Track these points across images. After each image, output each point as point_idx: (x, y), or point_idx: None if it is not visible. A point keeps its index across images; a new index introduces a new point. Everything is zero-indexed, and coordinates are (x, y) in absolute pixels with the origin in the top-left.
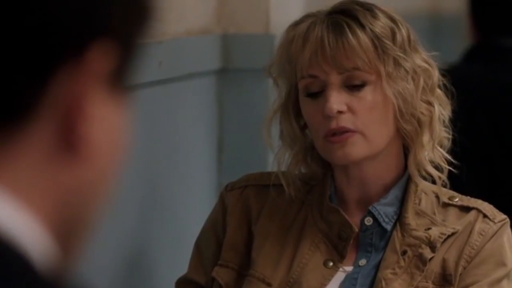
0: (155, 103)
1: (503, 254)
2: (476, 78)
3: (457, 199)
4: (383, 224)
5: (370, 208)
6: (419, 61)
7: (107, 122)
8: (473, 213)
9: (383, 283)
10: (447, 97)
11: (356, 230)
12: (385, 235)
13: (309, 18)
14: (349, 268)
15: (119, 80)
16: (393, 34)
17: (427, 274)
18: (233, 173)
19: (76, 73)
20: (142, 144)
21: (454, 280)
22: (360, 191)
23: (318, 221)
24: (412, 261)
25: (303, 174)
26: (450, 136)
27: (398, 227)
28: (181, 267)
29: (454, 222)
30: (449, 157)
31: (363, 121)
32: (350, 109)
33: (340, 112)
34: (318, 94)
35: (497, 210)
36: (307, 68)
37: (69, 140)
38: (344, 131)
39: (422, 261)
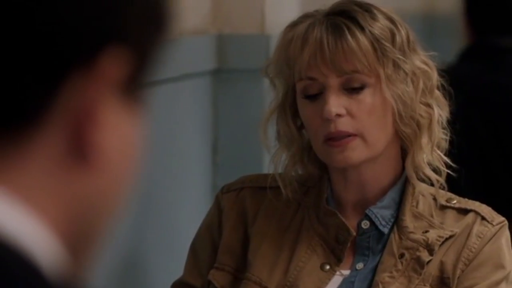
0: (150, 103)
1: (502, 256)
2: (472, 78)
3: (455, 201)
4: (380, 227)
5: (366, 211)
6: (418, 63)
7: (120, 130)
8: (471, 215)
9: (381, 286)
10: (445, 97)
11: (354, 233)
12: (382, 238)
13: (308, 19)
14: (346, 272)
15: (133, 87)
16: (393, 36)
17: (425, 277)
18: (228, 174)
19: (87, 78)
20: None
21: (452, 283)
22: (358, 194)
23: (315, 224)
24: (410, 264)
25: (300, 176)
26: (448, 138)
27: (395, 230)
28: (177, 270)
29: (452, 224)
30: (447, 160)
31: (362, 125)
32: (349, 113)
33: (338, 115)
34: (317, 96)
35: (495, 212)
36: (306, 70)
37: (79, 148)
38: (343, 135)
39: (420, 264)
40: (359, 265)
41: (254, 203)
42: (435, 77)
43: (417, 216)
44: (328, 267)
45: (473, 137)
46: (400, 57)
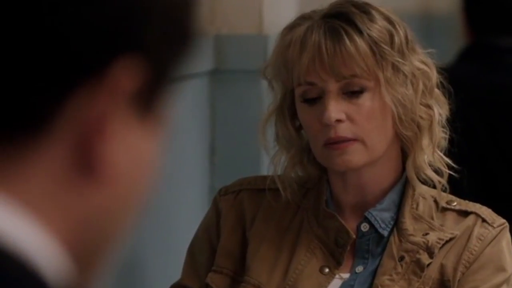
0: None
1: (502, 259)
2: (470, 78)
3: (455, 203)
4: (380, 230)
5: (366, 214)
6: (417, 63)
7: (131, 144)
8: (471, 217)
9: None
10: (445, 96)
11: (354, 236)
12: (382, 241)
13: (305, 21)
14: (346, 275)
15: (148, 101)
16: (391, 38)
17: (425, 280)
18: (226, 175)
19: (98, 89)
20: None
21: (452, 286)
22: (357, 196)
23: (314, 226)
24: (410, 267)
25: (299, 177)
26: (447, 136)
27: (395, 232)
28: (174, 273)
29: (452, 227)
30: (449, 161)
31: (362, 129)
32: (349, 117)
33: (338, 120)
34: (316, 100)
35: (496, 214)
36: (305, 76)
37: (86, 159)
38: (343, 140)
39: (420, 267)
40: (359, 268)
41: (252, 205)
42: (434, 76)
43: (417, 219)
44: (327, 270)
45: (472, 137)
46: (399, 59)
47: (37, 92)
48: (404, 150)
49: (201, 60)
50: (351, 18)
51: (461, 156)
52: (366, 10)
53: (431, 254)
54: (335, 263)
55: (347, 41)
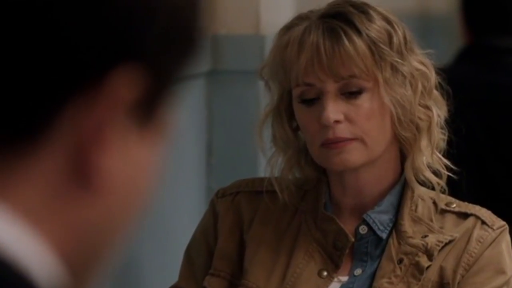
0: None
1: (502, 261)
2: (469, 79)
3: (454, 205)
4: (378, 233)
5: (364, 216)
6: (416, 64)
7: (130, 155)
8: (471, 219)
9: None
10: (443, 96)
11: (352, 239)
12: (380, 243)
13: (303, 21)
14: (344, 278)
15: (149, 111)
16: (390, 38)
17: (424, 283)
18: (223, 177)
19: (96, 98)
20: None
21: None
22: (355, 199)
23: (312, 229)
24: (409, 270)
25: (297, 179)
26: (446, 138)
27: (394, 234)
28: (171, 275)
29: (451, 229)
30: (448, 162)
31: (361, 129)
32: (347, 118)
33: (337, 121)
34: (314, 100)
35: (496, 216)
36: (303, 76)
37: (83, 170)
38: (341, 141)
39: (419, 269)
40: (357, 271)
41: (250, 208)
42: (433, 77)
43: (416, 221)
44: (325, 273)
45: (470, 138)
46: (398, 60)
47: (34, 100)
48: (403, 152)
49: (198, 60)
50: (350, 18)
51: (460, 157)
52: (364, 10)
53: (430, 257)
54: (334, 266)
55: (346, 42)
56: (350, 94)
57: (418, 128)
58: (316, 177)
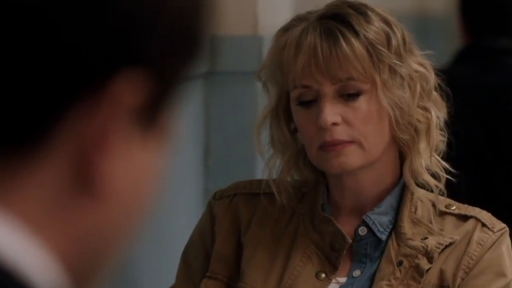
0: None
1: (503, 264)
2: (467, 80)
3: (454, 207)
4: (378, 234)
5: (364, 217)
6: (415, 66)
7: (133, 161)
8: (471, 222)
9: None
10: (443, 98)
11: (350, 240)
12: (380, 245)
13: (301, 23)
14: (343, 279)
15: (152, 116)
16: (388, 39)
17: (424, 286)
18: (220, 178)
19: (99, 103)
20: None
21: None
22: (354, 200)
23: (310, 231)
24: (409, 272)
25: (295, 181)
26: (445, 140)
27: (393, 236)
28: (168, 277)
29: (451, 231)
30: (446, 165)
31: (358, 132)
32: (345, 120)
33: (334, 124)
34: (311, 103)
35: (496, 219)
36: (300, 79)
37: (85, 176)
38: (339, 143)
39: (419, 272)
40: (356, 272)
41: (248, 210)
42: (432, 79)
43: (416, 222)
44: (323, 275)
45: (469, 139)
46: (396, 61)
47: (35, 107)
48: (402, 154)
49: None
50: (347, 19)
51: (460, 159)
52: (362, 11)
53: (430, 259)
54: (332, 268)
55: (343, 43)
56: (348, 96)
57: (416, 130)
58: (314, 179)
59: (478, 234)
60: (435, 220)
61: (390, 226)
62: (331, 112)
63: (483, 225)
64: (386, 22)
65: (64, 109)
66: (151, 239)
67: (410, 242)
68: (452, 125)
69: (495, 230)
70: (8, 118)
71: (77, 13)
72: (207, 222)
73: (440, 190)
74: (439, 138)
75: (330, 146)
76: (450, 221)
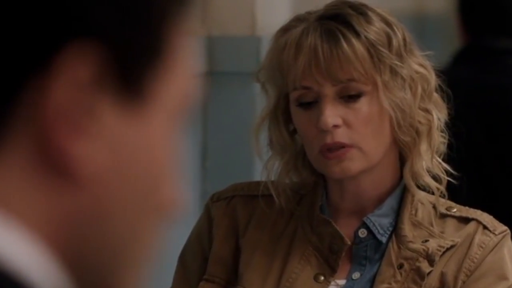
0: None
1: (504, 267)
2: (466, 81)
3: (455, 210)
4: (378, 236)
5: (364, 219)
6: (416, 66)
7: (117, 137)
8: (472, 224)
9: None
10: (443, 99)
11: (348, 242)
12: (380, 248)
13: (300, 23)
14: (342, 282)
15: (128, 87)
16: (389, 40)
17: None
18: (218, 180)
19: (51, 79)
20: None
21: None
22: (355, 203)
23: (308, 233)
24: (409, 275)
25: (293, 183)
26: (446, 141)
27: (393, 239)
28: (165, 280)
29: (452, 234)
30: (448, 167)
31: (359, 135)
32: (346, 122)
33: (335, 126)
34: (311, 104)
35: (497, 221)
36: (300, 80)
37: (55, 157)
38: (340, 146)
39: (420, 275)
40: (356, 275)
41: (246, 212)
42: (433, 80)
43: (416, 225)
44: (322, 278)
45: (469, 141)
46: (397, 62)
47: None
48: (402, 155)
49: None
50: (348, 20)
51: (460, 161)
52: (363, 12)
53: (431, 262)
54: (330, 271)
55: (344, 44)
56: (348, 97)
57: (417, 132)
58: (313, 181)
59: (479, 237)
60: (436, 222)
61: (391, 229)
62: (332, 114)
63: (485, 227)
64: (387, 23)
65: (16, 90)
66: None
67: (411, 245)
68: (452, 126)
69: (496, 232)
70: None
71: None
72: (205, 225)
73: (441, 192)
74: (440, 140)
75: (330, 153)
76: (451, 223)
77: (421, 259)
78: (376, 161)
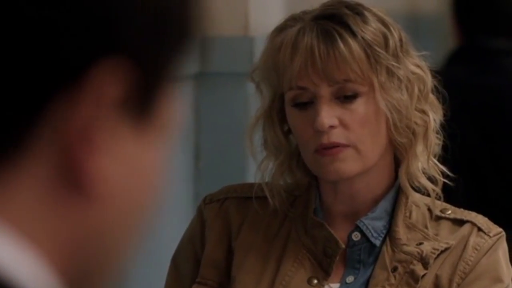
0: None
1: (499, 269)
2: (460, 81)
3: (449, 212)
4: (372, 239)
5: (357, 222)
6: (412, 67)
7: (126, 156)
8: (467, 226)
9: None
10: (439, 100)
11: (343, 246)
12: (374, 251)
13: (296, 23)
14: (336, 285)
15: (142, 106)
16: (386, 40)
17: None
18: (211, 181)
19: (79, 96)
20: None
21: None
22: (348, 205)
23: (302, 236)
24: (403, 278)
25: (287, 185)
26: (441, 143)
27: (387, 241)
28: (157, 283)
29: (447, 236)
30: (444, 168)
31: (355, 136)
32: (342, 123)
33: (331, 127)
34: (307, 104)
35: (492, 223)
36: (296, 80)
37: (73, 175)
38: (336, 146)
39: (414, 278)
40: (349, 278)
41: (239, 214)
42: (429, 81)
43: (410, 227)
44: (315, 281)
45: (463, 142)
46: (394, 63)
47: (13, 103)
48: (397, 157)
49: (185, 62)
50: (344, 20)
51: (455, 162)
52: (359, 12)
53: (425, 265)
54: (324, 274)
55: (341, 45)
56: (344, 98)
57: (414, 133)
58: (307, 183)
59: (474, 239)
60: (431, 225)
61: (384, 231)
62: (328, 115)
63: (479, 229)
64: (383, 23)
65: (42, 106)
66: (140, 243)
67: (405, 248)
68: (449, 127)
69: (491, 234)
70: None
71: (53, 2)
72: (197, 227)
73: (437, 194)
74: (436, 141)
75: (326, 151)
76: (445, 225)
77: (415, 262)
78: (372, 164)
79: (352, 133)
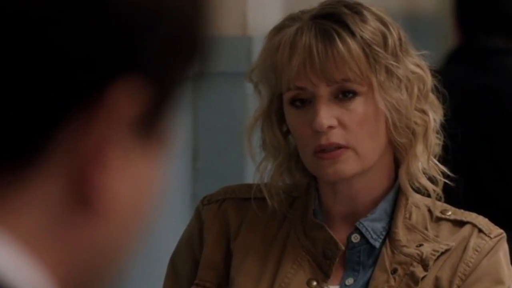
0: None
1: (500, 271)
2: (460, 81)
3: (450, 213)
4: (371, 241)
5: (357, 224)
6: (411, 67)
7: (132, 173)
8: (467, 227)
9: None
10: (439, 100)
11: (343, 248)
12: (373, 252)
13: (294, 22)
14: (335, 287)
15: (151, 126)
16: (385, 40)
17: None
18: (209, 182)
19: (95, 114)
20: None
21: None
22: (348, 207)
23: (301, 237)
24: (403, 280)
25: (286, 185)
26: (441, 143)
27: (387, 243)
28: (155, 285)
29: (447, 237)
30: (444, 168)
31: (354, 136)
32: (341, 123)
33: (330, 127)
34: (306, 104)
35: (493, 224)
36: (295, 80)
37: (84, 191)
38: (335, 147)
39: (414, 280)
40: (349, 281)
41: (237, 215)
42: (429, 80)
43: (410, 229)
44: (315, 283)
45: (463, 142)
46: (393, 62)
47: (28, 120)
48: (397, 157)
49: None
50: (343, 19)
51: (456, 163)
52: (358, 11)
53: (425, 267)
54: (323, 276)
55: (339, 44)
56: (343, 98)
57: (414, 133)
58: (306, 184)
59: (474, 240)
60: (431, 226)
61: (384, 233)
62: (327, 115)
63: (480, 231)
64: (382, 22)
65: (58, 122)
66: (138, 244)
67: (405, 249)
68: (449, 127)
69: (492, 236)
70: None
71: (69, 20)
72: (195, 228)
73: (438, 194)
74: (436, 141)
75: (324, 154)
76: (445, 227)
77: (415, 263)
78: (371, 164)
79: (351, 133)
